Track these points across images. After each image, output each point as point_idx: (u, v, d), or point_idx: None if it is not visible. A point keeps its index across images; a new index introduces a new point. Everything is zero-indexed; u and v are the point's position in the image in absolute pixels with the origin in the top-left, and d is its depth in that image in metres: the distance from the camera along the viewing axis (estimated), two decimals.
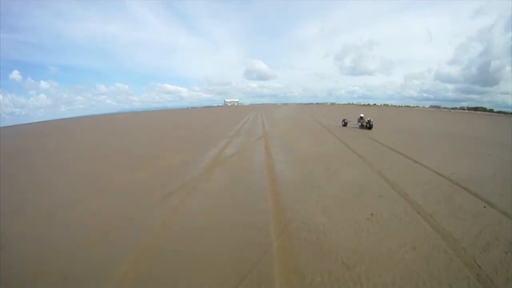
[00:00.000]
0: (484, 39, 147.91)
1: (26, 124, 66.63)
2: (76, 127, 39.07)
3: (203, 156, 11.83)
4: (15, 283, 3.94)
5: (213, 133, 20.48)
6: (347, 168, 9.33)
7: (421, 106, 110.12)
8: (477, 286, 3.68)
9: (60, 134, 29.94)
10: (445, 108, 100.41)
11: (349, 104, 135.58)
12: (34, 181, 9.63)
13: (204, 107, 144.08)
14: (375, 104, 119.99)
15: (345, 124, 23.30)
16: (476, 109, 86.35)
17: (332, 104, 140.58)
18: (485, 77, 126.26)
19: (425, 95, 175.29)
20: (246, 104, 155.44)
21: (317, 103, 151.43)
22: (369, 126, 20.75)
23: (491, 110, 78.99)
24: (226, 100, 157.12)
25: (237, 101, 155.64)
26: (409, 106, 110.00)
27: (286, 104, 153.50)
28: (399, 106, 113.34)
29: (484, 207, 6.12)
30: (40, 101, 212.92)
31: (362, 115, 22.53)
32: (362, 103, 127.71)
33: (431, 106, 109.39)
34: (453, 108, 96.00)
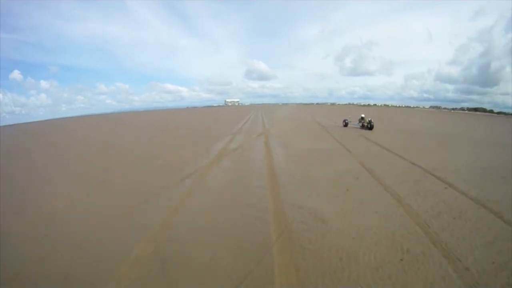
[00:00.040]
0: (484, 40, 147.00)
1: (26, 123, 66.78)
2: (77, 126, 39.10)
3: (203, 156, 11.84)
4: (15, 283, 3.94)
5: (213, 133, 20.48)
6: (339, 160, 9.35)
7: (421, 107, 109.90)
8: (424, 238, 4.60)
9: (61, 133, 29.96)
10: (445, 108, 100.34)
11: (349, 104, 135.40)
12: (34, 180, 9.63)
13: (205, 106, 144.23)
14: (375, 105, 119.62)
15: (346, 125, 23.11)
16: (476, 109, 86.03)
17: (333, 104, 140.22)
18: (485, 78, 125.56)
19: (425, 95, 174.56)
20: (246, 104, 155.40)
21: (317, 103, 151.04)
22: (370, 126, 20.65)
23: (491, 111, 78.81)
24: (227, 100, 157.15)
25: (238, 101, 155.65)
26: (409, 107, 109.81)
27: (287, 104, 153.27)
28: (399, 106, 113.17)
29: (445, 188, 7.06)
30: (41, 101, 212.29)
31: (363, 115, 22.39)
32: (362, 104, 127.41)
33: (431, 107, 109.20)
34: (453, 109, 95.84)
